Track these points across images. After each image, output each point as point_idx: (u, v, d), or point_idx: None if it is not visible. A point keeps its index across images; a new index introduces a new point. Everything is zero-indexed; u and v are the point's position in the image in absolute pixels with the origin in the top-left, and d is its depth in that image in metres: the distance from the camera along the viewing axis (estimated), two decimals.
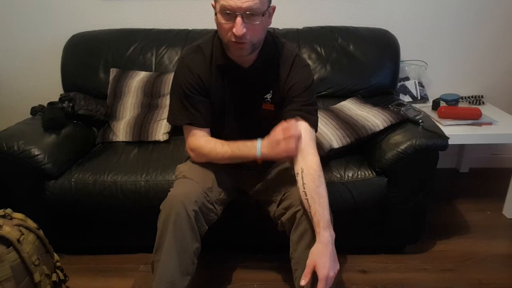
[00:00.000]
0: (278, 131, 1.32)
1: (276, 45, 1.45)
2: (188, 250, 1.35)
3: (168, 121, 1.54)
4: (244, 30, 1.24)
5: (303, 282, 1.22)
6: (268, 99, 1.45)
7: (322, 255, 1.22)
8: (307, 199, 1.29)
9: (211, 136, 1.52)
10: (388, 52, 2.17)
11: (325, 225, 1.25)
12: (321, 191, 1.30)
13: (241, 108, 1.48)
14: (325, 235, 1.24)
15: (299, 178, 1.33)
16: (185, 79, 1.42)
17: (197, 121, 1.44)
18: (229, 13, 1.24)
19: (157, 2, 2.31)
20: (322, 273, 1.19)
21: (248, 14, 1.23)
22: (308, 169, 1.33)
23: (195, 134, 1.45)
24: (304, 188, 1.31)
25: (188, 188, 1.40)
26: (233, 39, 1.27)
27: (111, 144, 2.00)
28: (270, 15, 1.34)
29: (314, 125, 1.42)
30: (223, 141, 1.42)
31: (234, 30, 1.24)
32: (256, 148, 1.35)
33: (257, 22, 1.26)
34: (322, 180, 1.33)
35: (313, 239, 1.31)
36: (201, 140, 1.45)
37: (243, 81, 1.44)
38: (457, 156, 2.64)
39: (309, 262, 1.22)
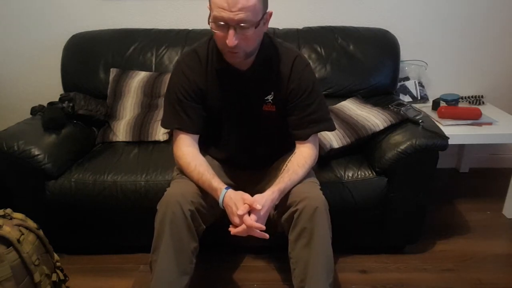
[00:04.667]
0: (239, 207, 1.32)
1: (274, 45, 1.44)
2: (185, 249, 1.35)
3: (161, 125, 1.55)
4: (236, 41, 1.24)
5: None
6: (270, 100, 1.45)
7: (263, 199, 1.33)
8: (283, 169, 1.42)
9: (206, 139, 1.52)
10: (388, 52, 2.17)
11: (280, 190, 1.37)
12: (298, 171, 1.41)
13: (240, 111, 1.47)
14: (274, 196, 1.35)
15: (291, 155, 1.46)
16: (180, 84, 1.43)
17: (186, 127, 1.45)
18: (222, 24, 1.23)
19: (157, 2, 2.31)
20: (257, 207, 1.30)
21: (241, 26, 1.23)
22: (301, 153, 1.45)
23: (180, 141, 1.46)
24: (288, 161, 1.44)
25: (184, 188, 1.40)
26: (227, 48, 1.27)
27: (111, 144, 2.00)
28: (266, 22, 1.33)
29: (330, 128, 1.49)
30: (198, 163, 1.41)
31: (226, 41, 1.24)
32: (220, 196, 1.36)
33: (249, 33, 1.25)
34: (306, 168, 1.43)
35: (310, 239, 1.32)
36: (182, 150, 1.44)
37: (241, 83, 1.43)
38: (457, 156, 2.64)
39: (251, 199, 1.32)
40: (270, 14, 1.33)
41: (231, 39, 1.23)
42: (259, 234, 1.32)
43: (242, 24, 1.22)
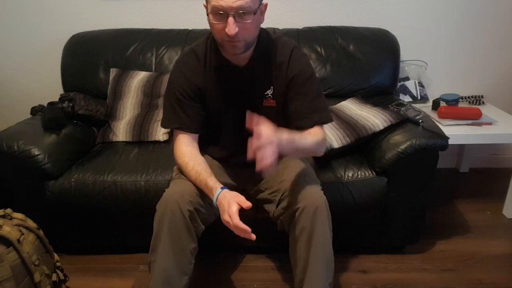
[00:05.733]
0: (232, 214, 1.27)
1: (271, 40, 1.45)
2: (184, 250, 1.35)
3: (160, 124, 1.56)
4: (237, 29, 1.24)
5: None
6: (269, 95, 1.45)
7: (278, 134, 1.21)
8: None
9: (206, 139, 1.53)
10: (388, 52, 2.17)
11: (291, 136, 1.26)
12: (307, 136, 1.35)
13: (240, 108, 1.47)
14: (285, 137, 1.23)
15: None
16: (178, 83, 1.44)
17: (185, 126, 1.45)
18: (220, 13, 1.24)
19: (157, 2, 2.31)
20: (265, 134, 1.18)
21: (240, 13, 1.24)
22: (309, 130, 1.39)
23: (180, 140, 1.46)
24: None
25: (183, 188, 1.39)
26: (227, 38, 1.28)
27: (111, 144, 2.00)
28: (262, 13, 1.34)
29: (328, 119, 1.45)
30: (196, 162, 1.41)
31: (226, 29, 1.24)
32: (215, 195, 1.34)
33: (249, 21, 1.26)
34: (314, 139, 1.36)
35: (311, 238, 1.32)
36: (181, 149, 1.45)
37: (240, 80, 1.44)
38: (457, 156, 2.64)
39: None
40: (266, 5, 1.35)
41: (231, 27, 1.23)
42: (243, 232, 1.27)
43: (240, 11, 1.23)
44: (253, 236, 1.27)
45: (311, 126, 1.42)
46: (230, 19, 1.23)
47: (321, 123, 1.46)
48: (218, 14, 1.25)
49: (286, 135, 1.25)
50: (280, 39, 1.47)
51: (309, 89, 1.43)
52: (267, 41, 1.44)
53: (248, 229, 1.27)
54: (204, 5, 1.32)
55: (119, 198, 1.70)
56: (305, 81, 1.42)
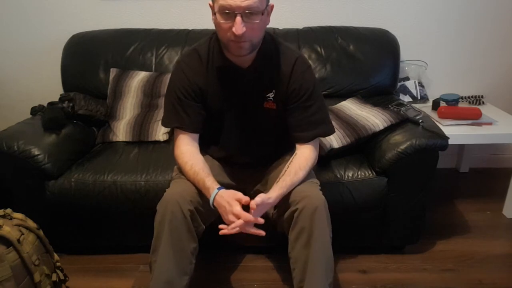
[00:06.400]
0: (234, 210, 1.31)
1: (274, 43, 1.45)
2: (185, 250, 1.35)
3: (161, 123, 1.56)
4: (244, 29, 1.24)
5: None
6: (271, 97, 1.45)
7: (264, 205, 1.33)
8: (285, 170, 1.41)
9: (207, 139, 1.53)
10: (388, 52, 2.17)
11: (280, 193, 1.37)
12: (299, 173, 1.41)
13: (241, 108, 1.47)
14: (275, 198, 1.35)
15: (293, 156, 1.45)
16: (179, 83, 1.43)
17: (186, 126, 1.45)
18: (228, 13, 1.24)
19: (157, 2, 2.31)
20: (253, 205, 1.30)
21: (247, 13, 1.24)
22: (302, 154, 1.44)
23: (180, 140, 1.46)
24: (290, 162, 1.43)
25: (183, 188, 1.40)
26: (233, 38, 1.27)
27: (111, 144, 2.00)
28: (269, 14, 1.35)
29: (329, 132, 1.49)
30: (194, 162, 1.42)
31: (233, 29, 1.24)
32: (211, 196, 1.35)
33: (257, 21, 1.26)
34: (307, 169, 1.43)
35: (310, 238, 1.32)
36: (181, 149, 1.45)
37: (242, 81, 1.43)
38: (457, 156, 2.64)
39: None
40: (272, 7, 1.35)
41: (239, 26, 1.23)
42: (254, 230, 1.32)
43: (248, 11, 1.23)
44: (263, 232, 1.31)
45: (312, 138, 1.46)
46: (238, 19, 1.23)
47: (322, 136, 1.49)
48: (226, 13, 1.24)
49: (278, 200, 1.36)
50: (284, 44, 1.47)
51: (311, 103, 1.43)
52: (271, 43, 1.44)
53: (260, 220, 1.30)
54: (210, 4, 1.31)
55: (119, 198, 1.70)
56: (306, 96, 1.43)
